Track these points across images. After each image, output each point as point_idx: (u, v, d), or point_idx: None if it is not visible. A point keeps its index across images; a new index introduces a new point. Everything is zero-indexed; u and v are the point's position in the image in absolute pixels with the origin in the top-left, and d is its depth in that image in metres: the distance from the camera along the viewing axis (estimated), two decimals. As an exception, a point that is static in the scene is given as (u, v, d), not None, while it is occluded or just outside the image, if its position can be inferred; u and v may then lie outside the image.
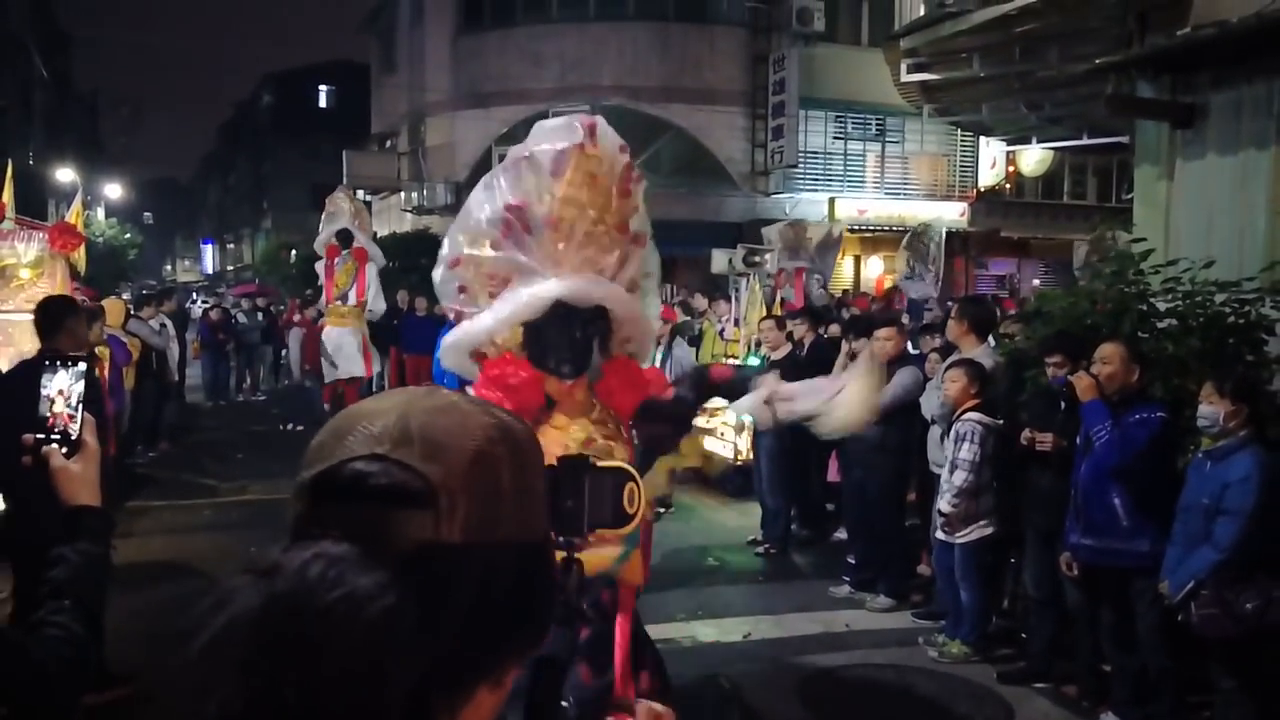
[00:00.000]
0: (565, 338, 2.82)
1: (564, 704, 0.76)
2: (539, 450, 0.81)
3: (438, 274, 3.14)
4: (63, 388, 1.54)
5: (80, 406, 1.55)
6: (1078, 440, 4.52)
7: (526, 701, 0.81)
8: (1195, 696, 4.29)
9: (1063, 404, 4.67)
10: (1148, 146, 6.86)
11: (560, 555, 0.88)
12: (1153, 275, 5.48)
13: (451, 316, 3.16)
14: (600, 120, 2.90)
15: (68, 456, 1.52)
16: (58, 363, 1.56)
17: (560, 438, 2.81)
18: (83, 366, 1.56)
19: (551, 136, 2.86)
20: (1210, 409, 3.90)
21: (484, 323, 2.93)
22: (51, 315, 4.30)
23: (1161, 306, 5.29)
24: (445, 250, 3.13)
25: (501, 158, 3.25)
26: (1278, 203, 5.96)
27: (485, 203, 2.93)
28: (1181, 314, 5.12)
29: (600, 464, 1.03)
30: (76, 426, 1.54)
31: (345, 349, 10.41)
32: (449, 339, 3.10)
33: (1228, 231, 6.09)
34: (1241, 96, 6.18)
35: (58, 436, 1.52)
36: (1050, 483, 4.78)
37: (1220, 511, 3.77)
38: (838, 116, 20.88)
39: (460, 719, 0.70)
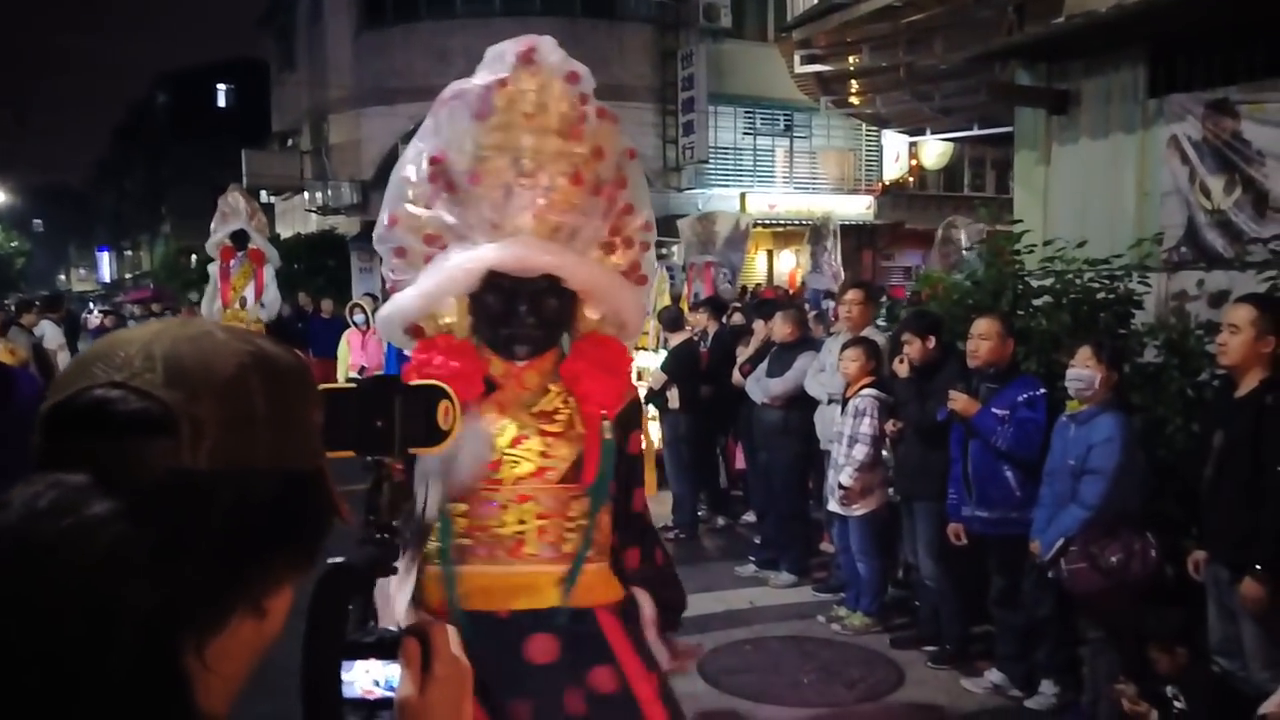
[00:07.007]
0: (509, 315, 2.27)
1: (370, 624, 0.77)
2: (308, 380, 0.80)
3: (375, 235, 2.58)
4: None
5: None
6: (939, 417, 4.81)
7: (309, 611, 0.83)
8: (1067, 649, 4.51)
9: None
10: (1026, 133, 7.14)
11: (372, 475, 0.89)
12: (1029, 255, 5.74)
13: (387, 285, 2.64)
14: (543, 43, 2.26)
15: None
16: None
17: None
18: None
19: (487, 68, 2.30)
20: (1086, 372, 4.06)
21: (410, 298, 2.40)
22: None
23: (1036, 285, 5.53)
24: (384, 206, 2.54)
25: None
26: (1145, 184, 6.27)
27: (423, 150, 2.38)
28: (1055, 291, 5.36)
29: (411, 383, 1.00)
30: None
31: None
32: (382, 311, 2.59)
33: (1100, 213, 6.38)
34: (1110, 83, 6.49)
35: None
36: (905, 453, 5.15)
37: (1086, 471, 3.96)
38: (746, 112, 21.14)
39: (212, 649, 0.69)
